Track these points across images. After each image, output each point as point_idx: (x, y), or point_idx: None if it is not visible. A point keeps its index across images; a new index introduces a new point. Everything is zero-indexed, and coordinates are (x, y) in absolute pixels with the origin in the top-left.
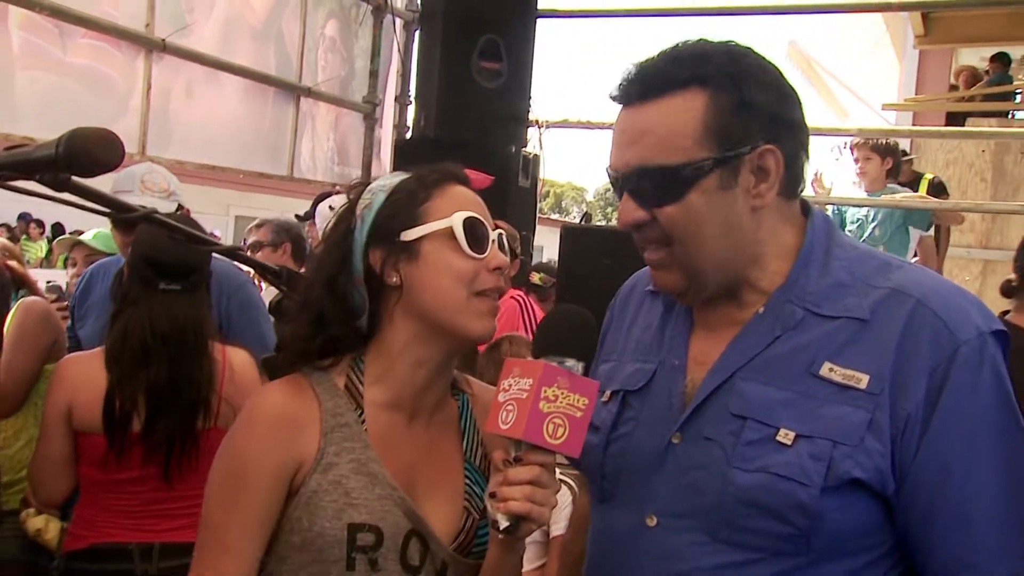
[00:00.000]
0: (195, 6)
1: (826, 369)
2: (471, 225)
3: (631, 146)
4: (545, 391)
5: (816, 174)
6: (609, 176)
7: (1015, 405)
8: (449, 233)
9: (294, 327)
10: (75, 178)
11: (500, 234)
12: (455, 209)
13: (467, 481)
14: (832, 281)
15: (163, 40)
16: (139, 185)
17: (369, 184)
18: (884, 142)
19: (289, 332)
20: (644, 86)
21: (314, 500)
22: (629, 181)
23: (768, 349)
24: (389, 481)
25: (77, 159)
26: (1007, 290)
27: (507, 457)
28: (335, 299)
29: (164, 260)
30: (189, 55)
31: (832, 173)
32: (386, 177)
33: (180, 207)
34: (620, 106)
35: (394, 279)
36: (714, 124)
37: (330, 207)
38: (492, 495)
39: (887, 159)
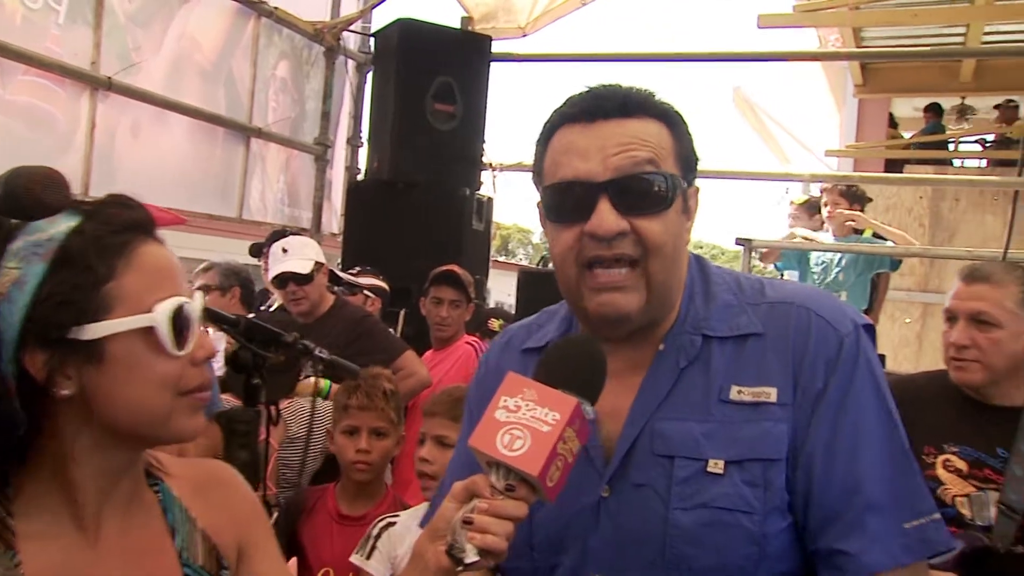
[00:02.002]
0: (142, 44)
1: (735, 392)
2: (178, 315)
3: (620, 152)
4: (566, 431)
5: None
6: (567, 188)
7: (887, 390)
8: (149, 330)
9: None
10: None
11: (202, 310)
12: (155, 293)
13: None
14: (720, 304)
15: (109, 78)
16: None
17: (12, 237)
18: (853, 189)
19: None
20: (621, 103)
21: None
22: (615, 187)
23: (677, 384)
24: None
25: (18, 201)
26: None
27: (496, 484)
28: None
29: None
30: (136, 94)
31: (773, 216)
32: (41, 227)
33: None
34: (583, 124)
35: (66, 391)
36: (679, 150)
37: (284, 249)
38: (468, 522)
39: (855, 205)
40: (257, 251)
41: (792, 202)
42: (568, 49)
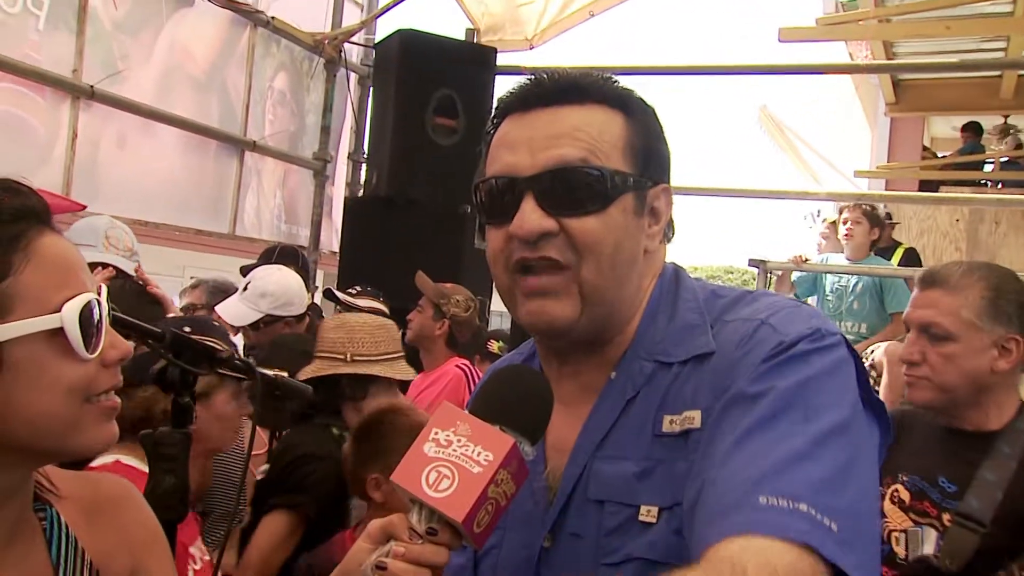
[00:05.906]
0: (130, 53)
1: (666, 423)
2: (87, 314)
3: (549, 146)
4: (499, 473)
5: (799, 257)
6: (495, 184)
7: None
8: (56, 332)
9: None
10: None
11: (109, 310)
12: (61, 291)
13: None
14: (681, 324)
15: (91, 87)
16: (103, 240)
17: None
18: (875, 211)
19: None
20: (563, 90)
21: None
22: (541, 183)
23: (621, 417)
24: None
25: None
26: None
27: (415, 526)
28: None
29: None
30: (121, 104)
31: (804, 239)
32: None
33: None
34: (519, 113)
35: None
36: (635, 143)
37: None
38: (382, 567)
39: (874, 229)
40: (248, 271)
41: (825, 220)
42: (578, 61)
